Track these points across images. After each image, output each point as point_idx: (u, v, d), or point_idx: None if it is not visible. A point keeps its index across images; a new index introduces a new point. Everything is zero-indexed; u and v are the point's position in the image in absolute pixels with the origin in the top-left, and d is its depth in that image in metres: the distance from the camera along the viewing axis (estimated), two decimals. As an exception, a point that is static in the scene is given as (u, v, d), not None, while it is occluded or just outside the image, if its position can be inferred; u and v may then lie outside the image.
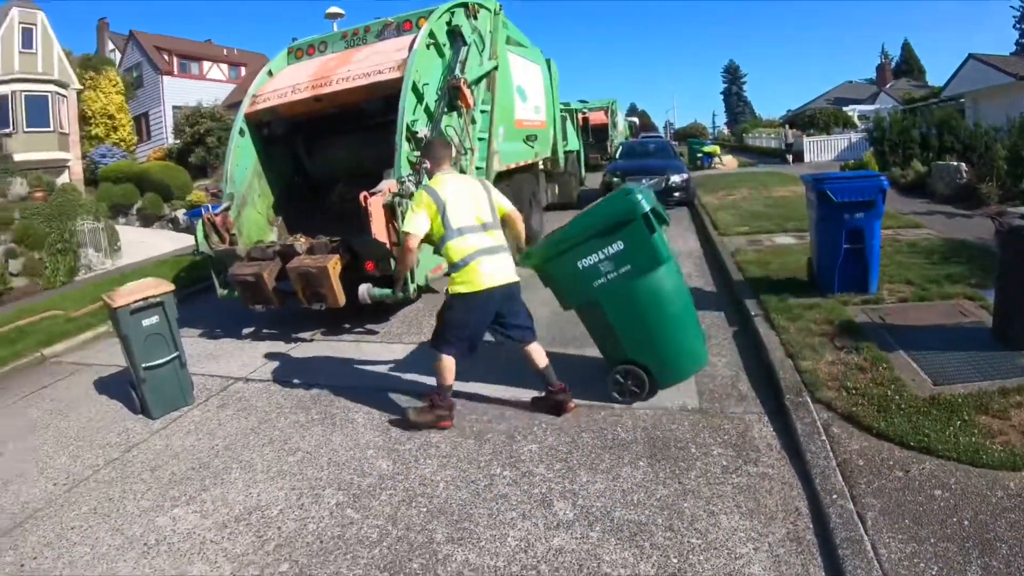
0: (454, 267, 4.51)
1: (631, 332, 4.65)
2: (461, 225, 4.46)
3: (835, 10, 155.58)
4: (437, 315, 4.79)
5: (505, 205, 4.86)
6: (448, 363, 4.65)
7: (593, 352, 5.30)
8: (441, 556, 3.31)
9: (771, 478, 3.66)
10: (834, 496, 3.29)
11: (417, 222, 4.44)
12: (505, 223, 4.84)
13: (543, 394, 4.88)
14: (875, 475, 3.45)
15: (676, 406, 4.69)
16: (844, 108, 38.51)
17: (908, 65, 58.36)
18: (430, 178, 4.77)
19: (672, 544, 3.18)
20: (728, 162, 30.16)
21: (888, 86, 47.80)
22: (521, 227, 4.99)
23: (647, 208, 4.36)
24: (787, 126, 36.49)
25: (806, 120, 36.87)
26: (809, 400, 4.29)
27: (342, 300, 6.58)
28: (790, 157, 29.16)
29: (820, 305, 5.92)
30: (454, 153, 6.55)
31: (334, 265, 6.47)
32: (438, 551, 3.35)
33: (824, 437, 3.85)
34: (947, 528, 2.99)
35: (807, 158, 26.97)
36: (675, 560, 3.07)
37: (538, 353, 4.78)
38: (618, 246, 4.44)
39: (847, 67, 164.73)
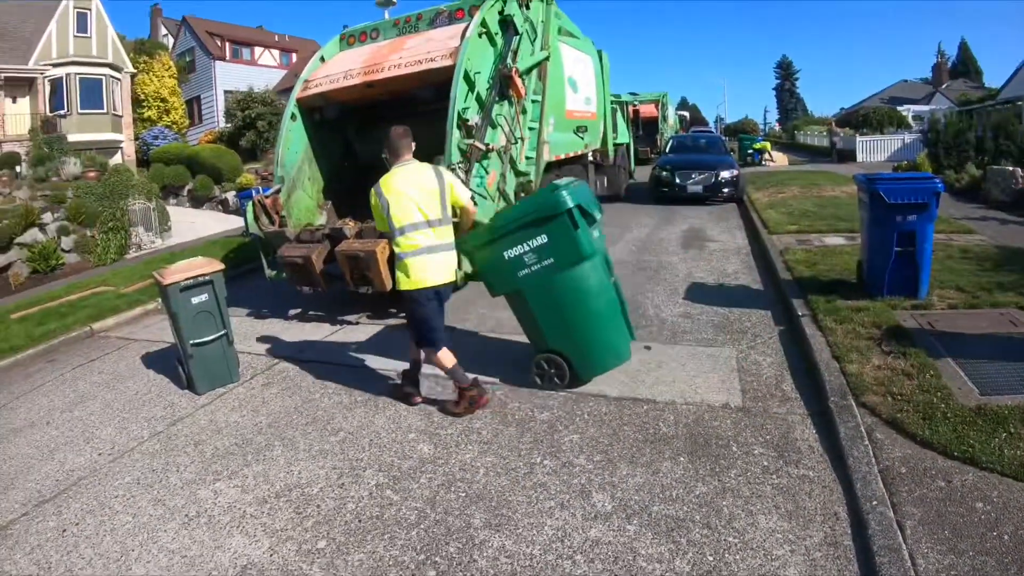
0: (398, 258, 4.69)
1: (552, 323, 4.88)
2: (403, 224, 4.59)
3: (891, 6, 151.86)
4: (408, 319, 5.02)
5: (462, 198, 4.90)
6: (443, 354, 4.84)
7: (633, 343, 5.30)
8: (478, 541, 3.34)
9: (811, 481, 3.62)
10: (874, 503, 3.24)
11: (377, 221, 4.85)
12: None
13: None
14: (916, 484, 3.39)
15: (719, 403, 4.66)
16: (898, 108, 37.61)
17: (965, 66, 56.56)
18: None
19: (708, 542, 3.17)
20: (778, 159, 29.76)
21: (944, 87, 46.54)
22: (470, 220, 5.06)
23: (572, 204, 4.47)
24: (832, 124, 35.93)
25: (859, 119, 36.09)
26: (853, 404, 4.22)
27: (389, 284, 6.63)
28: (834, 155, 28.92)
29: (868, 308, 5.82)
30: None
31: (382, 249, 6.50)
32: (475, 536, 3.39)
33: (867, 442, 3.79)
34: (987, 542, 2.93)
35: (859, 158, 26.31)
36: (711, 558, 3.05)
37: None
38: (542, 239, 4.62)
39: (902, 66, 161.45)
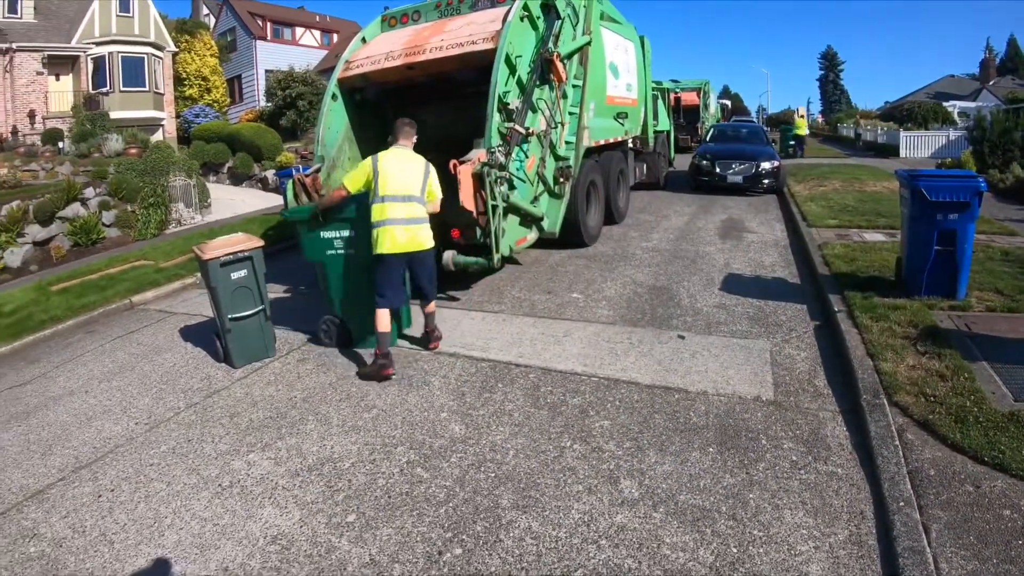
0: (372, 227, 5.35)
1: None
2: (385, 194, 5.31)
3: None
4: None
5: (436, 191, 5.68)
6: (381, 314, 5.44)
7: (667, 332, 5.30)
8: (505, 521, 3.39)
9: (839, 478, 3.61)
10: (901, 504, 3.22)
11: (352, 179, 5.45)
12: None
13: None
14: (945, 487, 3.36)
15: (751, 395, 4.65)
16: (944, 103, 36.79)
17: (1013, 62, 55.07)
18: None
19: (733, 533, 3.18)
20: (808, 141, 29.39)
21: (991, 83, 45.45)
22: (434, 210, 5.71)
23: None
24: (858, 117, 35.51)
25: (903, 113, 35.39)
26: (886, 403, 4.18)
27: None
28: (860, 144, 28.67)
29: (905, 307, 5.73)
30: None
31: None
32: (502, 516, 3.44)
33: (897, 442, 3.76)
34: (1012, 551, 2.89)
35: (903, 153, 25.70)
36: (734, 550, 3.07)
37: (429, 315, 5.97)
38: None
39: (949, 60, 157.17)
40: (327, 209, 5.78)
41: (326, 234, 5.90)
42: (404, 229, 5.34)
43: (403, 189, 5.35)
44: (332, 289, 6.09)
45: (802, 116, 32.38)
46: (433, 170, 5.66)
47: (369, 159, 5.44)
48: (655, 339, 5.84)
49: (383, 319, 5.44)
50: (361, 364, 5.76)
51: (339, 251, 5.91)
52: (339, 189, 5.55)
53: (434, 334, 5.99)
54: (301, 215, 6.01)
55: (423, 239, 5.48)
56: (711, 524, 3.26)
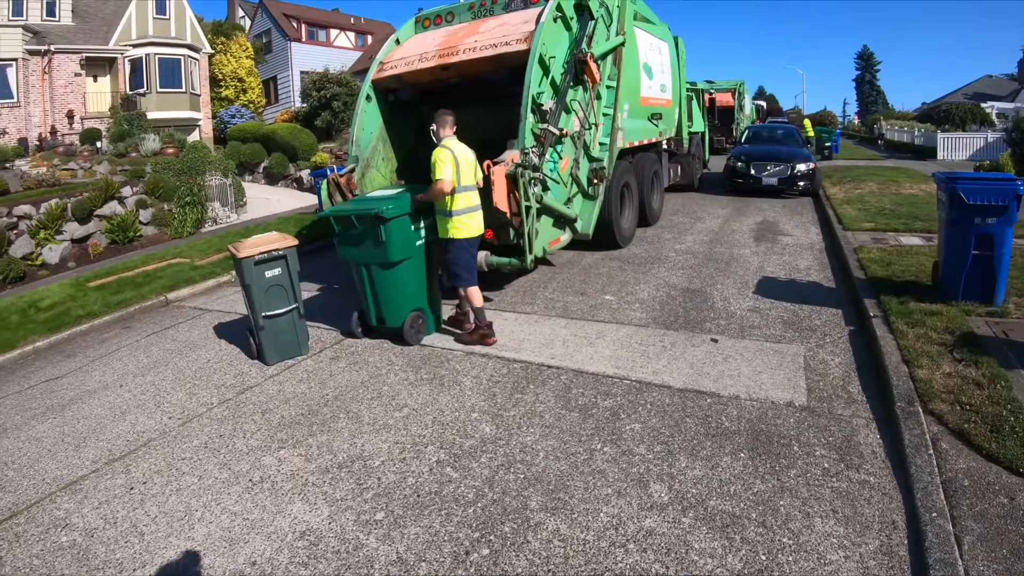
0: (452, 214, 5.78)
1: None
2: (466, 183, 5.78)
3: None
4: (443, 265, 6.16)
5: (479, 174, 6.11)
6: (473, 291, 5.98)
7: (700, 335, 5.26)
8: (533, 523, 3.40)
9: (871, 487, 3.56)
10: (934, 514, 3.16)
11: (446, 172, 5.64)
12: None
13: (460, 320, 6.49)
14: (979, 498, 3.30)
15: (783, 401, 4.60)
16: (982, 104, 36.04)
17: (1052, 62, 53.64)
18: (438, 141, 5.90)
19: (763, 540, 3.16)
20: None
21: (1031, 84, 44.37)
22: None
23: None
24: (882, 119, 35.37)
25: (941, 115, 34.72)
26: (920, 411, 4.12)
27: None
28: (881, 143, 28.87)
29: (942, 312, 5.64)
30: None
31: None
32: (531, 518, 3.45)
33: (931, 451, 3.70)
34: (1045, 565, 2.83)
35: (940, 155, 25.22)
36: (763, 557, 3.04)
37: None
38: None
39: (987, 61, 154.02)
40: (423, 204, 6.02)
41: (415, 227, 6.09)
42: (480, 216, 5.92)
43: (474, 178, 5.87)
44: (415, 283, 6.23)
45: (807, 118, 32.44)
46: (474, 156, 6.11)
47: (447, 152, 5.71)
48: (688, 342, 5.81)
49: (477, 295, 6.02)
50: (394, 364, 5.82)
51: (424, 242, 6.20)
52: (441, 183, 5.63)
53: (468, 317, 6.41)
54: (400, 209, 5.90)
55: (482, 225, 6.04)
56: (740, 531, 3.24)
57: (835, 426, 4.22)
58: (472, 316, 6.21)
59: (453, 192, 5.69)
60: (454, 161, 5.66)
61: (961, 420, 3.96)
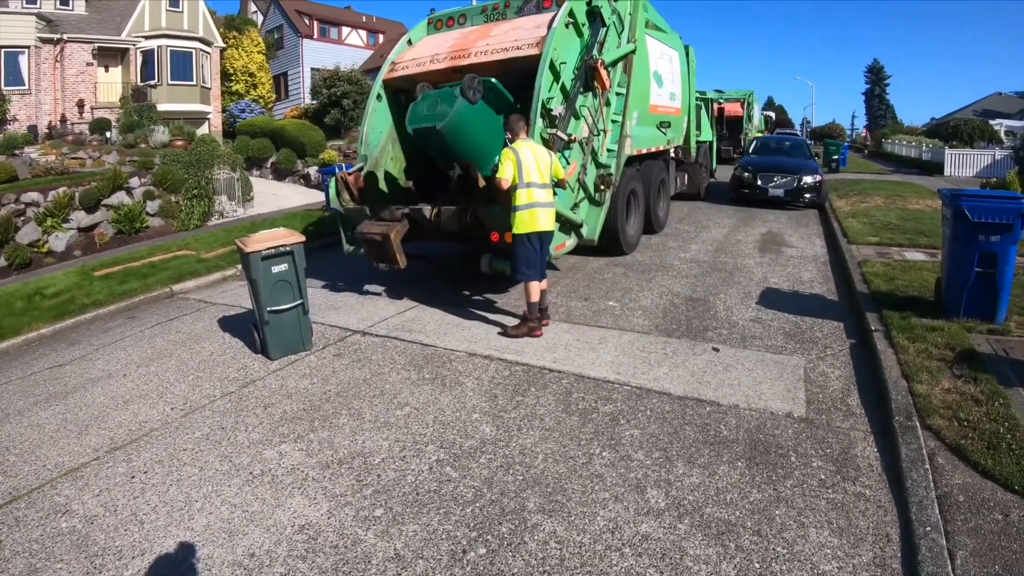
0: (516, 209, 6.04)
1: None
2: (529, 180, 6.00)
3: (988, 16, 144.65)
4: (513, 258, 6.28)
5: (560, 171, 6.44)
6: (532, 286, 6.22)
7: (701, 344, 5.28)
8: (530, 524, 3.42)
9: (867, 499, 3.58)
10: (928, 528, 3.18)
11: (507, 170, 5.97)
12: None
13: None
14: (973, 514, 3.32)
15: (782, 412, 4.62)
16: (991, 121, 36.00)
17: (1062, 80, 53.64)
18: (509, 144, 6.20)
19: (757, 549, 3.18)
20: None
21: (1040, 101, 44.36)
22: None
23: None
24: (865, 129, 35.98)
25: (949, 131, 34.70)
26: (918, 425, 4.14)
27: (403, 262, 7.22)
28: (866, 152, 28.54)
29: (943, 328, 5.66)
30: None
31: (396, 234, 6.94)
32: (528, 519, 3.47)
33: (928, 466, 3.72)
34: (1036, 583, 2.85)
35: (947, 171, 25.21)
36: (757, 565, 3.06)
37: (543, 288, 6.43)
38: None
39: (997, 78, 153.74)
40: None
41: None
42: (544, 211, 6.09)
43: (542, 175, 6.10)
44: None
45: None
46: (554, 156, 6.40)
47: (511, 151, 6.03)
48: (689, 350, 5.83)
49: (534, 289, 6.25)
50: (397, 363, 5.86)
51: None
52: (499, 181, 6.01)
53: (547, 311, 6.65)
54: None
55: (552, 221, 6.24)
56: (735, 538, 3.26)
57: (833, 438, 4.24)
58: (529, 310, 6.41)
59: (515, 189, 5.99)
60: (515, 161, 5.95)
61: (958, 436, 3.97)
